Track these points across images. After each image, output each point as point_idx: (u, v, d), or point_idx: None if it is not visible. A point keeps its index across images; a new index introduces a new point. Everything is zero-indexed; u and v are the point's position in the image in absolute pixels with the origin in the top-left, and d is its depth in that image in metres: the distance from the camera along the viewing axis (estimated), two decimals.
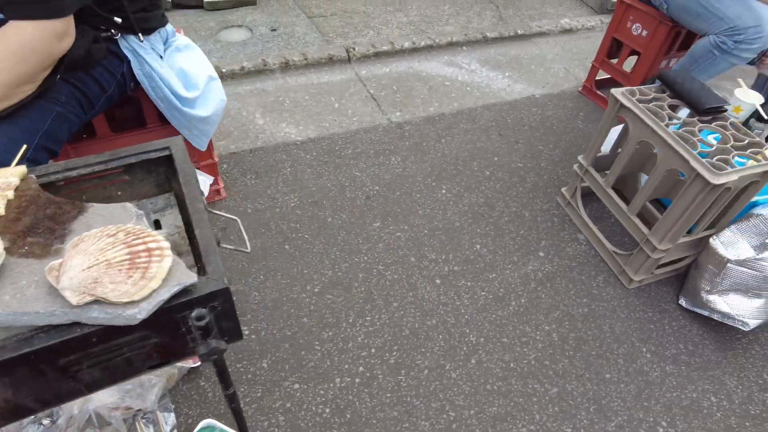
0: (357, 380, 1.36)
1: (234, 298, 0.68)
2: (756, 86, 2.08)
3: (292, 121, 2.17)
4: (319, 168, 1.96)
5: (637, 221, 1.60)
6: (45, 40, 0.98)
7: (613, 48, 2.39)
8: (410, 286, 1.60)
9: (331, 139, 2.10)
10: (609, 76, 2.48)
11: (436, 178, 1.98)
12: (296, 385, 1.34)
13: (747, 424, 1.39)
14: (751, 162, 1.42)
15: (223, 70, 2.32)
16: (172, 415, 1.22)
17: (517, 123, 2.31)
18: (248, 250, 0.95)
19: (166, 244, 0.64)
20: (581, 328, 1.55)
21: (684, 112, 1.57)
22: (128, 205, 0.72)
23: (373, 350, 1.44)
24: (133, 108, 1.49)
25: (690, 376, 1.48)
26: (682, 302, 1.64)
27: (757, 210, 1.51)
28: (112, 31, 1.22)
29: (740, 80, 1.80)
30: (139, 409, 1.16)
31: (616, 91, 1.58)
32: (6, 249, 0.63)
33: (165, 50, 1.40)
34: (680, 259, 1.69)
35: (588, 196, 1.89)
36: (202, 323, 0.63)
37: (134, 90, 1.35)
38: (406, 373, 1.39)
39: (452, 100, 2.41)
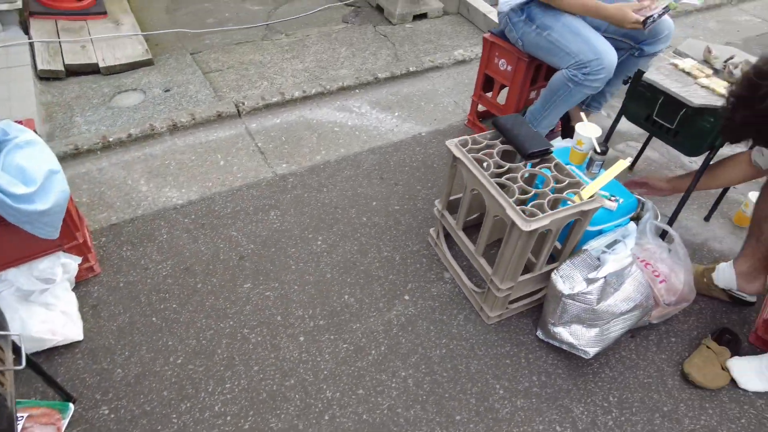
0: None
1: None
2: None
3: (176, 185, 2.21)
4: (196, 231, 2.01)
5: (482, 262, 1.68)
6: None
7: (487, 82, 2.50)
8: (273, 347, 1.65)
9: (212, 199, 2.15)
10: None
11: (314, 229, 2.05)
12: None
13: None
14: (576, 198, 1.51)
15: (111, 139, 2.36)
16: None
17: (399, 164, 2.40)
18: None
19: None
20: (437, 371, 1.62)
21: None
22: None
23: (228, 417, 1.48)
24: None
25: (539, 409, 1.55)
26: (539, 334, 1.72)
27: (586, 245, 1.60)
28: None
29: (582, 114, 1.91)
30: None
31: (450, 143, 1.67)
32: None
33: (1, 150, 1.45)
34: (538, 290, 1.77)
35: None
36: None
37: None
38: None
39: (339, 147, 2.48)
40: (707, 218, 2.27)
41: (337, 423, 1.48)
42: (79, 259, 1.74)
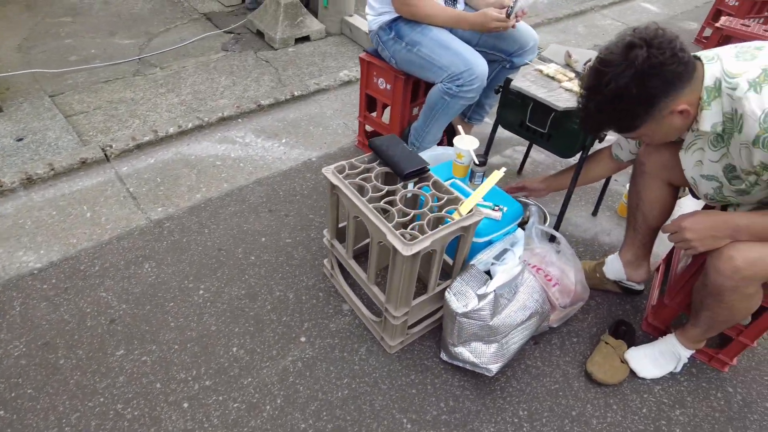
0: None
1: None
2: None
3: (32, 246, 1.94)
4: (57, 298, 1.76)
5: (375, 290, 1.59)
6: None
7: (371, 102, 2.45)
8: (153, 420, 1.45)
9: (76, 258, 1.91)
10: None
11: (195, 277, 1.87)
12: None
13: None
14: (456, 214, 1.47)
15: None
16: None
17: (289, 194, 2.27)
18: None
19: None
20: (340, 415, 1.50)
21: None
22: None
23: None
24: None
25: None
26: (443, 356, 1.66)
27: (474, 260, 1.57)
28: None
29: (460, 128, 1.90)
30: None
31: (327, 170, 1.57)
32: None
33: None
34: (437, 310, 1.71)
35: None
36: None
37: None
38: None
39: (222, 181, 2.32)
40: (594, 213, 2.35)
41: None
42: None
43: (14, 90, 2.80)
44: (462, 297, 1.52)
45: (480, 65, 1.89)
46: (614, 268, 1.86)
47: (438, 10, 1.95)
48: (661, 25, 1.19)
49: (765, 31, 3.25)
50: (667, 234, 1.41)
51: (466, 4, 2.15)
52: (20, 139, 2.46)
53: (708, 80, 1.20)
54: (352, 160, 1.61)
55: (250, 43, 3.49)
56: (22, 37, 3.31)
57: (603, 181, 2.23)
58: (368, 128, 2.57)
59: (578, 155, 1.80)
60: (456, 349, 1.56)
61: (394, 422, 1.49)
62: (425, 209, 1.46)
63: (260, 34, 3.51)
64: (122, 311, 1.73)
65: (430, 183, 1.56)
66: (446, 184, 1.55)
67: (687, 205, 2.02)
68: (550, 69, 1.79)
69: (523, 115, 1.77)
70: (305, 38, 3.51)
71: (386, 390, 1.57)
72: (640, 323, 1.86)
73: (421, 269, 1.81)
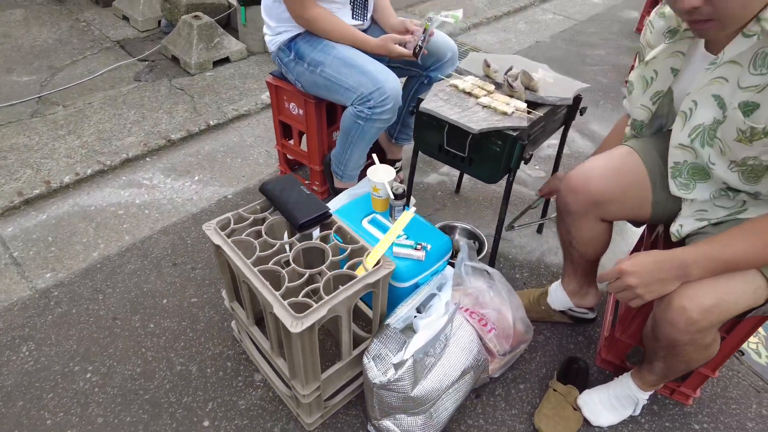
0: None
1: None
2: None
3: None
4: None
5: (280, 363, 1.35)
6: None
7: (287, 128, 2.21)
8: None
9: None
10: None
11: (82, 358, 1.59)
12: None
13: None
14: (360, 269, 1.24)
15: None
16: None
17: (198, 242, 2.02)
18: None
19: None
20: None
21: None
22: None
23: None
24: None
25: None
26: (370, 429, 1.43)
27: (390, 317, 1.34)
28: None
29: (374, 156, 1.68)
30: None
31: (208, 227, 1.33)
32: None
33: None
34: (360, 374, 1.48)
35: None
36: None
37: None
38: None
39: (123, 234, 2.05)
40: (539, 230, 2.16)
41: None
42: None
43: None
44: (381, 362, 1.29)
45: (391, 83, 1.67)
46: (558, 298, 1.66)
47: (338, 28, 1.73)
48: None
49: None
50: (606, 282, 1.18)
51: (373, 21, 1.94)
52: None
53: None
54: (240, 210, 1.37)
55: (165, 70, 3.21)
56: None
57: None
58: (290, 156, 2.33)
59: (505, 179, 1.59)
60: (381, 422, 1.33)
61: None
62: (323, 267, 1.23)
63: (176, 59, 3.24)
64: None
65: (332, 231, 1.33)
66: (353, 231, 1.32)
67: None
68: (466, 83, 1.59)
69: (440, 137, 1.56)
70: (225, 60, 3.25)
71: None
72: (594, 356, 1.66)
73: (333, 330, 1.58)
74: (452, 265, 1.58)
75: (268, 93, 2.88)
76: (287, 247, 1.30)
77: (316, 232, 1.35)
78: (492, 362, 1.48)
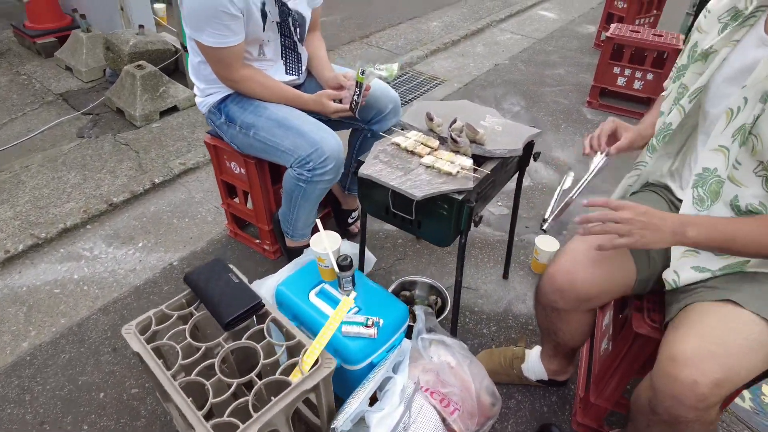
0: None
1: None
2: None
3: None
4: None
5: None
6: None
7: (232, 186, 2.08)
8: None
9: None
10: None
11: None
12: None
13: None
14: (295, 373, 1.11)
15: None
16: None
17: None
18: None
19: None
20: None
21: None
22: None
23: None
24: None
25: None
26: None
27: (336, 419, 1.21)
28: None
29: (318, 222, 1.55)
30: None
31: (127, 330, 1.18)
32: None
33: None
34: None
35: None
36: None
37: None
38: None
39: (59, 316, 1.88)
40: (505, 275, 2.05)
41: None
42: None
43: None
44: None
45: (329, 142, 1.56)
46: (536, 371, 1.57)
47: (270, 87, 1.62)
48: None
49: (654, 35, 3.11)
50: (595, 212, 1.04)
51: (309, 73, 1.84)
52: None
53: None
54: (163, 307, 1.23)
55: (110, 123, 3.06)
56: None
57: (508, 234, 1.94)
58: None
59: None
60: None
61: None
62: (253, 374, 1.09)
63: (121, 111, 3.09)
64: None
65: (265, 325, 1.19)
66: (289, 324, 1.19)
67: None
68: (408, 141, 1.48)
69: (386, 199, 1.45)
70: (173, 108, 3.12)
71: None
72: (570, 419, 1.55)
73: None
74: (411, 330, 1.45)
75: None
76: (216, 349, 1.16)
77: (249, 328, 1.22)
78: None
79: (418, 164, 1.41)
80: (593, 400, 1.42)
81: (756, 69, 0.95)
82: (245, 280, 1.27)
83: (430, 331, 1.47)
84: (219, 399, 1.04)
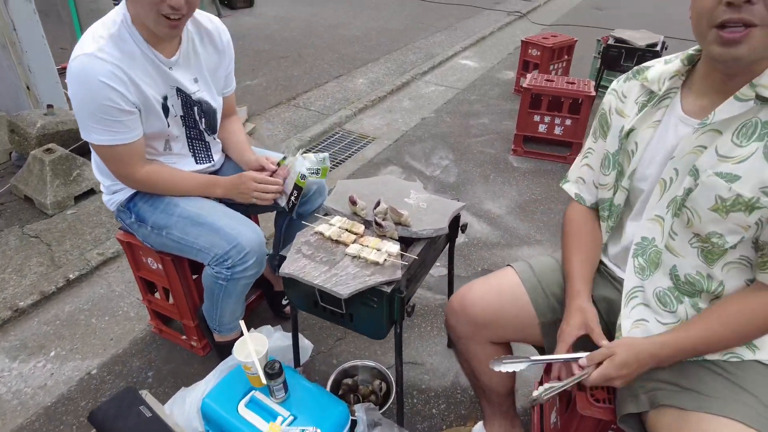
0: None
1: None
2: None
3: None
4: None
5: None
6: None
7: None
8: None
9: None
10: None
11: None
12: None
13: None
14: None
15: None
16: None
17: None
18: None
19: None
20: None
21: None
22: None
23: None
24: None
25: None
26: None
27: None
28: None
29: (242, 323, 1.44)
30: None
31: None
32: None
33: None
34: None
35: None
36: None
37: None
38: None
39: None
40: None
41: None
42: None
43: None
44: None
45: (248, 236, 1.47)
46: None
47: (176, 182, 1.52)
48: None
49: (567, 83, 3.27)
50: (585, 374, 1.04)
51: (228, 157, 1.76)
52: None
53: None
54: None
55: (17, 214, 2.83)
56: None
57: (446, 302, 1.89)
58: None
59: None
60: None
61: None
62: None
63: (30, 199, 2.87)
64: None
65: None
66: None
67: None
68: (332, 229, 1.42)
69: (313, 294, 1.36)
70: (89, 192, 2.93)
71: None
72: None
73: None
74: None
75: None
76: None
77: None
78: None
79: (343, 255, 1.35)
80: None
81: (680, 143, 1.00)
82: (160, 408, 1.14)
83: (375, 426, 1.38)
84: None
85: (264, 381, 1.30)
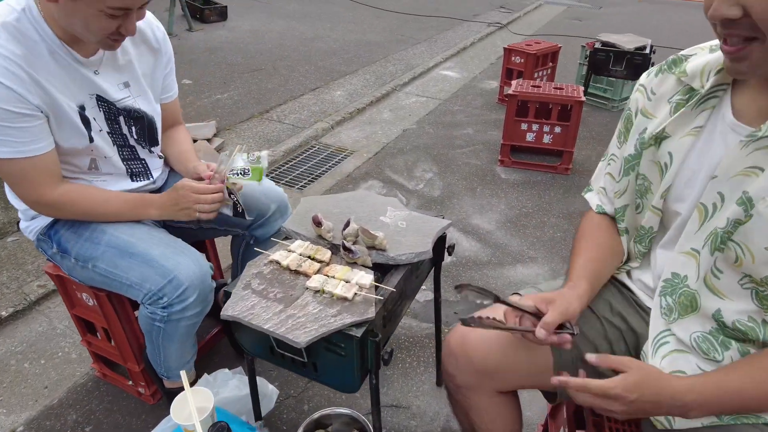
0: None
1: None
2: None
3: None
4: None
5: None
6: None
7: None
8: None
9: None
10: None
11: None
12: None
13: None
14: None
15: None
16: None
17: None
18: None
19: None
20: None
21: None
22: None
23: None
24: None
25: None
26: None
27: None
28: None
29: (183, 374, 1.17)
30: None
31: None
32: None
33: None
34: None
35: None
36: None
37: None
38: None
39: None
40: (439, 382, 1.74)
41: None
42: None
43: None
44: None
45: (187, 268, 1.21)
46: None
47: (99, 204, 1.25)
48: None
49: (555, 89, 3.09)
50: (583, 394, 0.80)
51: (172, 172, 1.50)
52: None
53: None
54: None
55: None
56: None
57: (434, 333, 1.65)
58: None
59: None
60: None
61: None
62: None
63: None
64: None
65: None
66: None
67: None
68: (291, 256, 1.17)
69: (267, 339, 1.11)
70: None
71: None
72: None
73: None
74: None
75: None
76: None
77: None
78: None
79: (303, 289, 1.10)
80: None
81: (725, 159, 0.78)
82: None
83: None
84: None
85: None
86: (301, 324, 1.00)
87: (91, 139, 1.21)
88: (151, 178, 1.40)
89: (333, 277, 1.11)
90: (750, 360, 0.80)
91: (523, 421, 1.59)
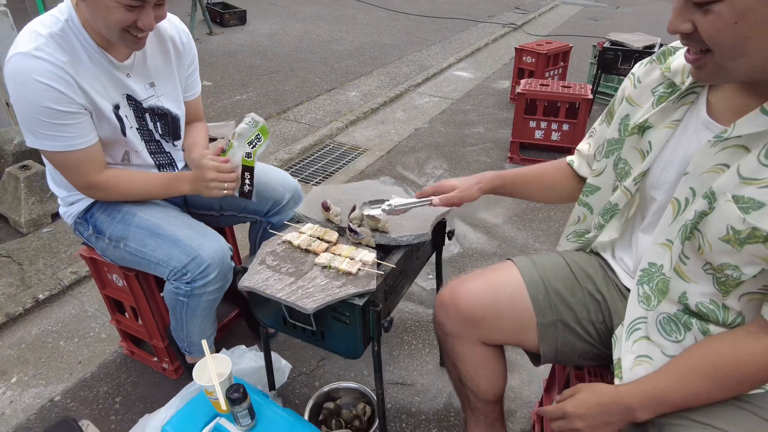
0: None
1: None
2: None
3: None
4: None
5: None
6: None
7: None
8: None
9: None
10: None
11: None
12: None
13: None
14: None
15: None
16: None
17: None
18: None
19: None
20: None
21: None
22: None
23: None
24: None
25: None
26: None
27: None
28: None
29: (204, 342, 1.30)
30: None
31: None
32: None
33: None
34: None
35: None
36: None
37: None
38: None
39: None
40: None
41: None
42: None
43: None
44: None
45: (209, 247, 1.34)
46: None
47: (138, 185, 1.39)
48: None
49: (563, 87, 3.16)
50: (552, 422, 0.97)
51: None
52: None
53: None
54: None
55: None
56: None
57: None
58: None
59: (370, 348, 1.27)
60: None
61: None
62: None
63: (4, 218, 2.75)
64: None
65: None
66: None
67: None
68: (302, 238, 1.29)
69: (280, 309, 1.23)
70: None
71: None
72: None
73: None
74: None
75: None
76: None
77: None
78: None
79: (312, 265, 1.21)
80: None
81: (695, 157, 0.86)
82: None
83: None
84: None
85: (224, 407, 1.16)
86: (309, 294, 1.12)
87: (125, 134, 1.35)
88: (176, 169, 1.54)
89: (339, 255, 1.23)
90: (686, 356, 0.87)
91: (522, 400, 1.69)
